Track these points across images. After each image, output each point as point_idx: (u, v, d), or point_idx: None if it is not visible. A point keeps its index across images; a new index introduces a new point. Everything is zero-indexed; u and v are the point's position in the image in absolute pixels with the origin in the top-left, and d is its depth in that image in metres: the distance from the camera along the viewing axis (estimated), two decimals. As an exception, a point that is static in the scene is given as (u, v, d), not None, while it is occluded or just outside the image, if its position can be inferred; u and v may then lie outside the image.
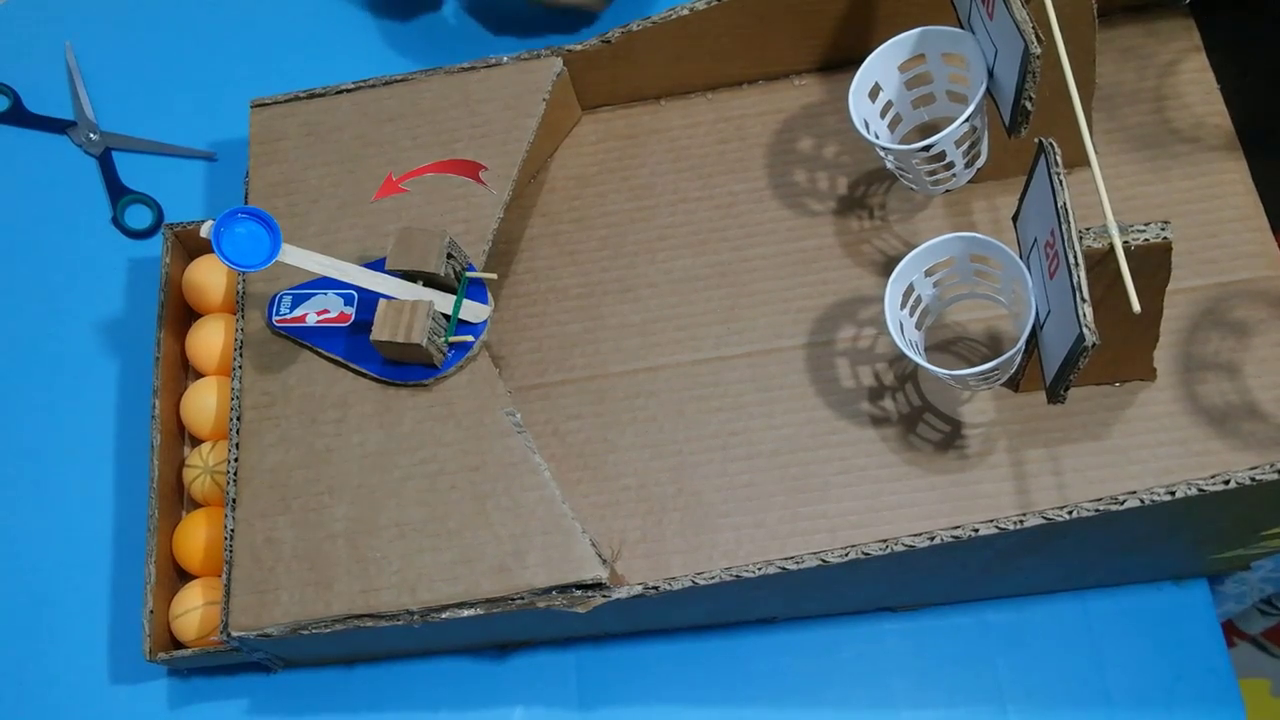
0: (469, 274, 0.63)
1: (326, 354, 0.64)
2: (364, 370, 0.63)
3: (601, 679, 0.67)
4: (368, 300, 0.63)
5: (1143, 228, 0.49)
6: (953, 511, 0.60)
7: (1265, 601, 0.95)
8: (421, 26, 0.86)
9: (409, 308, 0.60)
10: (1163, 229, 0.49)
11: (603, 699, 0.66)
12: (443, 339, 0.61)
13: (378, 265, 0.62)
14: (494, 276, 0.64)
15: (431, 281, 0.62)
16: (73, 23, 0.86)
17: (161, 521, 0.66)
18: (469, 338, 0.62)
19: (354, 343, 0.63)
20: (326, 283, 0.65)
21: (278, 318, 0.65)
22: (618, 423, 0.65)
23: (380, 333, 0.59)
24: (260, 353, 0.65)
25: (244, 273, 0.67)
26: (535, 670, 0.67)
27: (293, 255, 0.59)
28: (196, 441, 0.70)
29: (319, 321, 0.64)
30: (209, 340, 0.70)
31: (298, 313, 0.65)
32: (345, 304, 0.64)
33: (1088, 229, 0.50)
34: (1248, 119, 0.66)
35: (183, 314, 0.73)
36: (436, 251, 0.60)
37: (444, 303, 0.61)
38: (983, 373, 0.54)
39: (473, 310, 0.63)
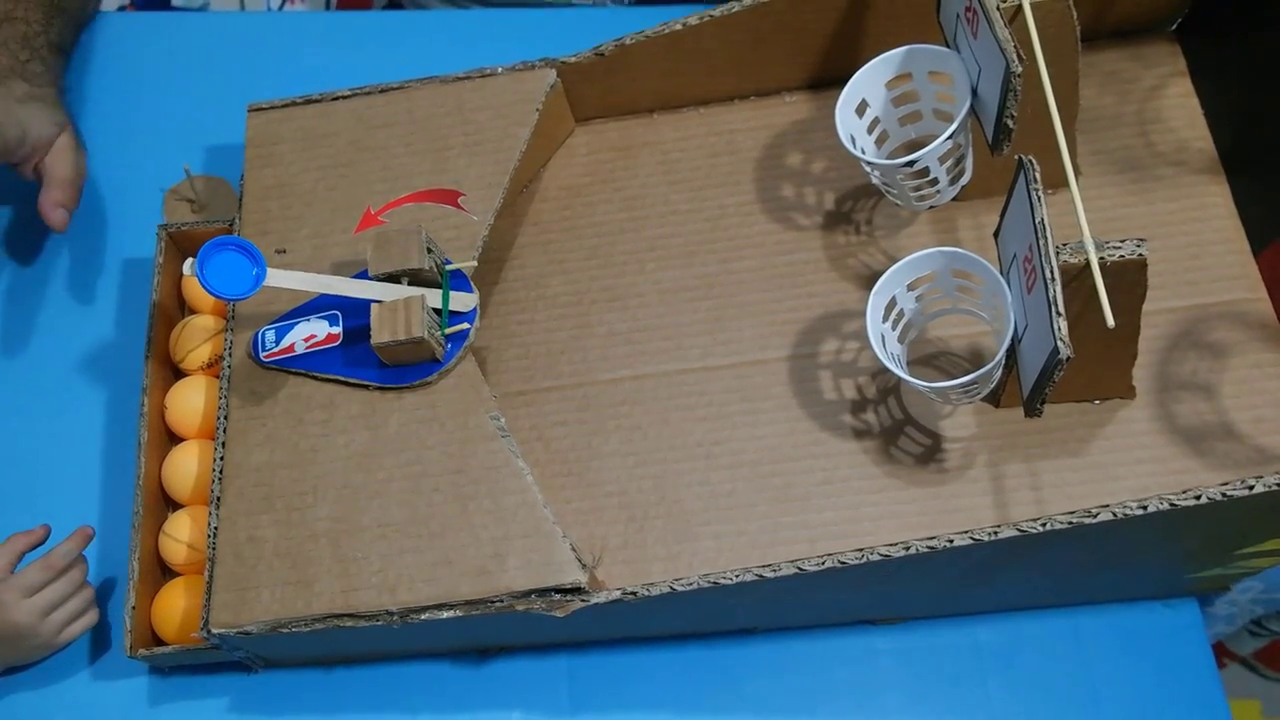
0: (448, 266, 0.63)
1: (322, 376, 0.64)
2: (364, 382, 0.63)
3: (594, 687, 0.67)
4: (353, 316, 0.64)
5: (1119, 244, 0.50)
6: (932, 524, 0.61)
7: (1255, 623, 0.95)
8: (417, 36, 0.87)
9: (403, 305, 0.60)
10: (1138, 245, 0.50)
11: (595, 707, 0.66)
12: (439, 331, 0.62)
13: (363, 276, 0.62)
14: (474, 264, 0.63)
15: (416, 278, 0.62)
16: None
17: (146, 518, 0.67)
18: (465, 325, 0.63)
19: (349, 358, 0.63)
20: (305, 309, 0.65)
21: (265, 353, 0.65)
22: (602, 430, 0.65)
23: (380, 335, 0.60)
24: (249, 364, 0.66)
25: (233, 301, 0.66)
26: (526, 677, 0.67)
27: (278, 278, 0.59)
28: (175, 505, 0.70)
29: (309, 348, 0.64)
30: (190, 400, 0.69)
31: (285, 344, 0.64)
32: (330, 325, 0.64)
33: (1064, 244, 0.50)
34: (1231, 143, 0.67)
35: (175, 312, 0.73)
36: (417, 246, 0.60)
37: (431, 298, 0.62)
38: (962, 385, 0.55)
39: (460, 300, 0.63)
